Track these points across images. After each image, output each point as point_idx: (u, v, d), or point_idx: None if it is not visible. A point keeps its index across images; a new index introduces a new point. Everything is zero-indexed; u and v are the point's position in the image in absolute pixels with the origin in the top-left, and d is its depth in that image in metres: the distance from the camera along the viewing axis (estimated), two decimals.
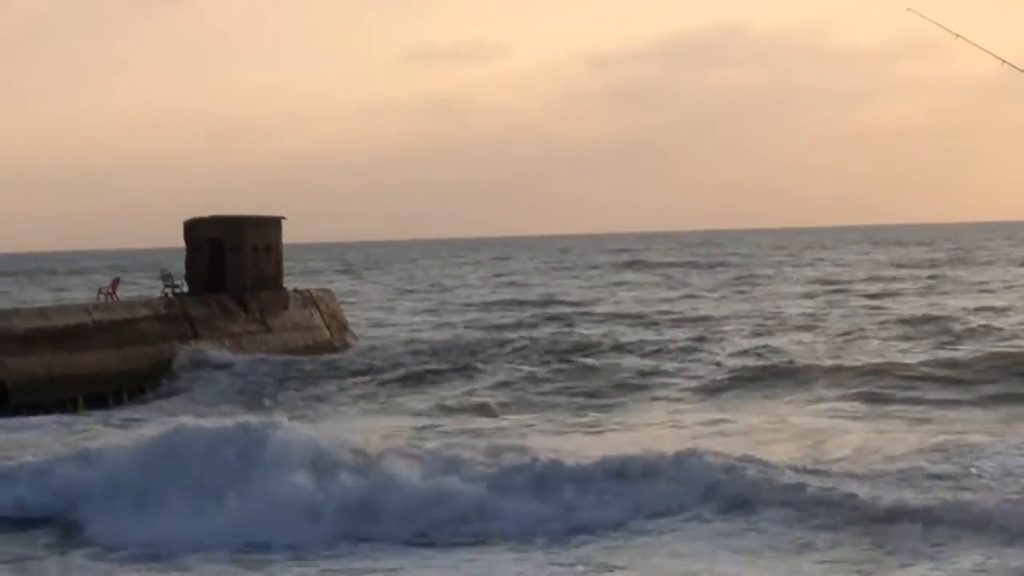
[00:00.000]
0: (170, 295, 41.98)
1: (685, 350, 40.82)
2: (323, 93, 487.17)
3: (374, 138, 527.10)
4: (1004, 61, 21.66)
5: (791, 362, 35.85)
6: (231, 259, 42.82)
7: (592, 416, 29.47)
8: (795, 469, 19.30)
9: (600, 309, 62.23)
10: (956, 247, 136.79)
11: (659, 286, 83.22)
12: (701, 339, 43.91)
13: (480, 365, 38.69)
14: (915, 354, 37.38)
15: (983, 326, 44.09)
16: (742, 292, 73.25)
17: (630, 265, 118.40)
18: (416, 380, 37.26)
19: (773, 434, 24.63)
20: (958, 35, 22.60)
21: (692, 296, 70.79)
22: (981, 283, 72.12)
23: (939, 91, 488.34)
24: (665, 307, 61.78)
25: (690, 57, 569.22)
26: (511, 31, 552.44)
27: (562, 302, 68.06)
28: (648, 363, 38.12)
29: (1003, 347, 37.52)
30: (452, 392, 34.92)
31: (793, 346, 41.02)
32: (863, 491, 17.71)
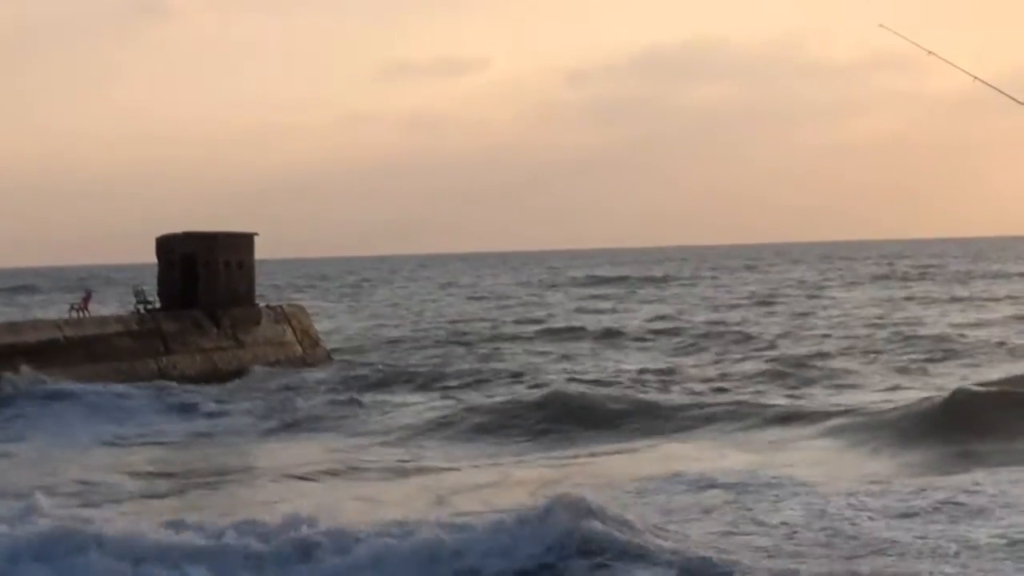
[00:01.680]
0: (142, 311, 42.11)
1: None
2: (300, 107, 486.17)
3: (351, 152, 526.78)
4: (976, 78, 21.82)
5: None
6: (203, 275, 43.01)
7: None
8: None
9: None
10: (890, 265, 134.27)
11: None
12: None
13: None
14: None
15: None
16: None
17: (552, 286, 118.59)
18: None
19: None
20: (930, 51, 22.76)
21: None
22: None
23: (913, 106, 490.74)
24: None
25: (666, 71, 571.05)
26: (488, 45, 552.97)
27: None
28: None
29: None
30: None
31: None
32: None
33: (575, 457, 25.51)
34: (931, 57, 22.62)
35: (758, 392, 34.39)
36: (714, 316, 66.32)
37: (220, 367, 41.20)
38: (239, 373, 41.10)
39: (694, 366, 42.50)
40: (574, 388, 34.28)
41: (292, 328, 45.61)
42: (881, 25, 23.57)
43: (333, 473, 24.13)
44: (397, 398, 35.97)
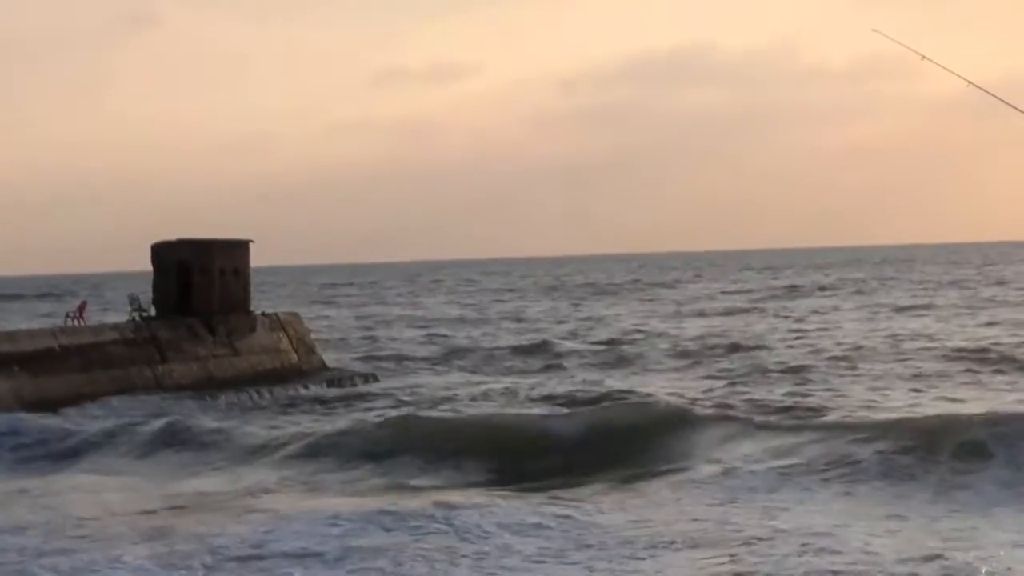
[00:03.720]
0: (137, 319, 42.04)
1: None
2: (295, 114, 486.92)
3: (345, 159, 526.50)
4: (970, 82, 21.84)
5: None
6: (199, 282, 42.94)
7: None
8: None
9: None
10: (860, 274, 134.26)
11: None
12: None
13: None
14: None
15: None
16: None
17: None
18: None
19: None
20: (924, 56, 22.77)
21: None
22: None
23: (907, 110, 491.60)
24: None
25: (659, 78, 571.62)
26: (482, 52, 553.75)
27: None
28: None
29: None
30: None
31: None
32: None
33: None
34: (924, 62, 22.69)
35: None
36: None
37: (216, 375, 41.13)
38: (235, 381, 41.04)
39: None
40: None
41: (288, 336, 45.53)
42: (875, 30, 23.65)
43: None
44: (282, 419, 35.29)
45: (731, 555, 16.14)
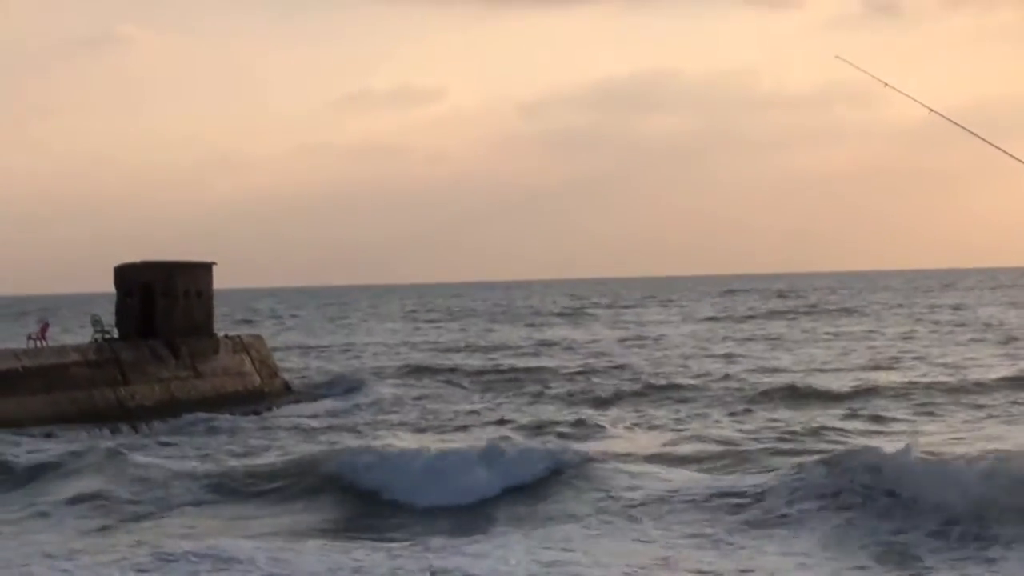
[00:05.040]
0: (100, 340, 41.99)
1: None
2: (257, 136, 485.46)
3: (306, 180, 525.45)
4: (932, 110, 22.07)
5: None
6: (162, 304, 42.96)
7: None
8: None
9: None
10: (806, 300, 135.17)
11: None
12: None
13: None
14: None
15: None
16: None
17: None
18: None
19: None
20: (886, 83, 23.01)
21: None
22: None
23: (869, 137, 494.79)
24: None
25: (621, 103, 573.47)
26: (444, 76, 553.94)
27: None
28: None
29: None
30: None
31: None
32: None
33: None
34: (887, 89, 22.96)
35: None
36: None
37: (178, 397, 41.12)
38: (199, 403, 41.03)
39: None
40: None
41: (251, 358, 45.58)
42: (838, 56, 23.93)
43: None
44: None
45: None
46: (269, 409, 42.14)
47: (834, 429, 32.88)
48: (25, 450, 31.16)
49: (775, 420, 35.47)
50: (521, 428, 36.12)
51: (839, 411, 36.97)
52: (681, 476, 24.50)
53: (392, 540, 20.20)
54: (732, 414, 37.55)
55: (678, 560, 17.96)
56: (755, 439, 31.09)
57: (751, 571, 17.39)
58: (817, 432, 32.30)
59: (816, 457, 23.65)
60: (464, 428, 37.06)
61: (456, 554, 18.49)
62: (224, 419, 38.75)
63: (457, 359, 63.28)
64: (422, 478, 24.47)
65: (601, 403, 42.17)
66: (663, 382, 47.16)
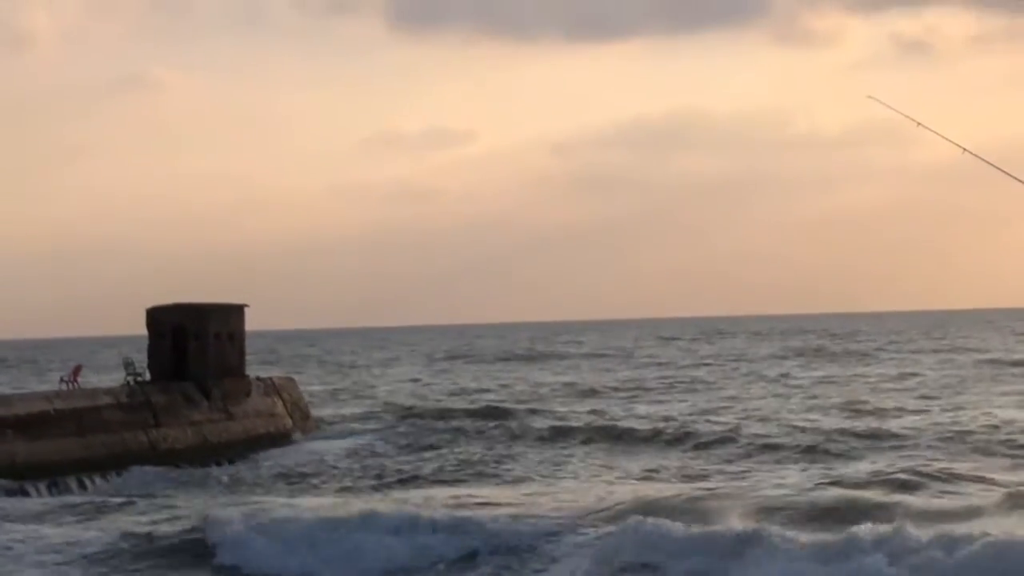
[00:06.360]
0: (132, 383, 42.02)
1: None
2: (289, 178, 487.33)
3: (339, 223, 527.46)
4: (965, 149, 21.97)
5: None
6: (194, 347, 42.97)
7: None
8: None
9: None
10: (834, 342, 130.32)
11: None
12: None
13: None
14: None
15: None
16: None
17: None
18: None
19: None
20: (919, 123, 22.92)
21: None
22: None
23: (901, 177, 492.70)
24: None
25: (652, 144, 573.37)
26: (475, 117, 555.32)
27: None
28: None
29: None
30: None
31: None
32: None
33: None
34: (919, 129, 22.84)
35: None
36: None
37: (210, 439, 41.07)
38: (230, 445, 40.96)
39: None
40: None
41: (282, 400, 45.53)
42: (870, 96, 23.81)
43: None
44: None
45: None
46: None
47: None
48: None
49: None
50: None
51: None
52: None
53: None
54: None
55: None
56: None
57: None
58: None
59: None
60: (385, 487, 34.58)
61: None
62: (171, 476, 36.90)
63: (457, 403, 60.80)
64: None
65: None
66: None
